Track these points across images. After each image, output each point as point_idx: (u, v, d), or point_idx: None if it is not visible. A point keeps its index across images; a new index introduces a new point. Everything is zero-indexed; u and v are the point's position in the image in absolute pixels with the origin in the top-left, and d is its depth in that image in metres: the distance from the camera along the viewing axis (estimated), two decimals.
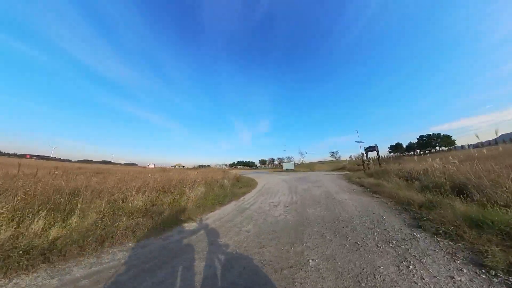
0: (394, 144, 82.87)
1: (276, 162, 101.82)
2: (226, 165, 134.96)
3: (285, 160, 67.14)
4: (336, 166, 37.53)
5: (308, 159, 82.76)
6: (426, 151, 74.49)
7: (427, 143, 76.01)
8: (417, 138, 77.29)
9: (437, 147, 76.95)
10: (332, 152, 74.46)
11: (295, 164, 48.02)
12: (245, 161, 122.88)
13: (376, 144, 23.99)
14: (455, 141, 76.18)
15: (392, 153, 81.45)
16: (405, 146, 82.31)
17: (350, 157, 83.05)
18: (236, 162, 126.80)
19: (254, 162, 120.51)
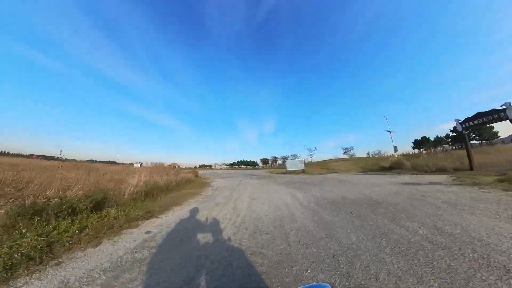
0: (420, 139, 67.91)
1: (279, 162, 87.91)
2: (226, 164, 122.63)
3: (289, 157, 53.63)
4: (368, 165, 23.41)
5: (316, 157, 68.66)
6: (462, 145, 59.01)
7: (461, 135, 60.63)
8: (450, 130, 61.95)
9: (473, 141, 61.67)
10: (346, 149, 60.16)
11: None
12: (246, 161, 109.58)
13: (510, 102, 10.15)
14: (498, 133, 60.93)
15: (416, 149, 66.69)
16: (431, 141, 67.37)
17: (368, 153, 68.64)
18: (236, 162, 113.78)
19: (255, 162, 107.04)
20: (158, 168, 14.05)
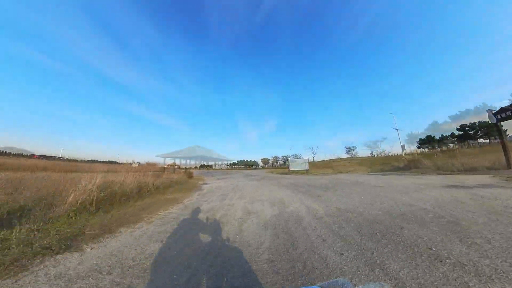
0: (425, 138, 66.25)
1: (280, 162, 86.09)
2: (226, 164, 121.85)
3: (290, 157, 51.58)
4: (376, 164, 21.67)
5: (317, 157, 66.90)
6: (469, 143, 57.35)
7: (469, 134, 58.80)
8: (457, 128, 60.32)
9: (480, 139, 59.93)
10: (349, 148, 58.25)
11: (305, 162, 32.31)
12: (247, 160, 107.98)
13: None
14: (506, 131, 58.82)
15: (422, 149, 65.07)
16: (436, 139, 65.73)
17: (372, 153, 66.72)
18: (236, 162, 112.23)
19: (256, 162, 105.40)
20: (144, 168, 12.41)
